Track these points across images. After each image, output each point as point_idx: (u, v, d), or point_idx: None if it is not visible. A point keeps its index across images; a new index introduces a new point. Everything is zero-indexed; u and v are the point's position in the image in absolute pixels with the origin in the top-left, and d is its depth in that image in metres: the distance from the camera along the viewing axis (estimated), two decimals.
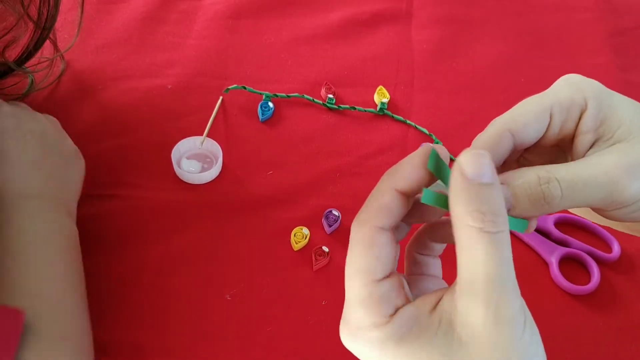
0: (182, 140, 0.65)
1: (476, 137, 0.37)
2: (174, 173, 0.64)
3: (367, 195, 0.64)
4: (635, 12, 0.81)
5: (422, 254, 0.37)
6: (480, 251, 0.28)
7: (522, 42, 0.79)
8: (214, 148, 0.65)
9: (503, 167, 0.36)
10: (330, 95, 0.70)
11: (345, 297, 0.33)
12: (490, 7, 0.81)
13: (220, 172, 0.64)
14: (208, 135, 0.66)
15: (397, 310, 0.31)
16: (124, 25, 0.77)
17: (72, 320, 0.49)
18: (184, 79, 0.72)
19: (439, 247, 0.37)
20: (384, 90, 0.71)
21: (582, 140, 0.35)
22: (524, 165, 0.36)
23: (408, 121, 0.70)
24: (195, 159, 0.65)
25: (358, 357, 0.34)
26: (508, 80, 0.75)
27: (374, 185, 0.66)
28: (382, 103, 0.70)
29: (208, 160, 0.65)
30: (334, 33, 0.78)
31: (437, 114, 0.71)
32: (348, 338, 0.34)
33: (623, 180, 0.32)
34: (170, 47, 0.76)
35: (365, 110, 0.70)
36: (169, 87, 0.71)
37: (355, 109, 0.70)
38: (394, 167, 0.33)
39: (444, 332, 0.30)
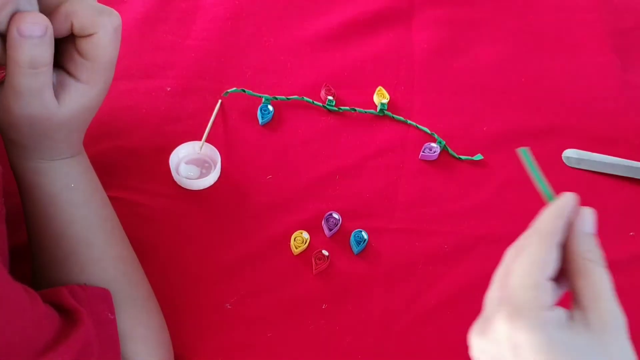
0: (181, 145, 0.65)
1: None
2: (172, 177, 0.63)
3: (368, 197, 0.65)
4: (635, 12, 0.81)
5: None
6: (597, 277, 0.40)
7: (523, 42, 0.78)
8: (213, 153, 0.65)
9: None
10: (330, 97, 0.70)
11: (513, 282, 0.40)
12: (490, 7, 0.81)
13: (219, 177, 0.64)
14: (207, 139, 0.66)
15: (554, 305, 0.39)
16: (123, 25, 0.76)
17: (143, 279, 0.53)
18: (183, 82, 0.72)
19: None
20: (384, 91, 0.71)
21: None
22: None
23: (409, 121, 0.69)
24: (194, 164, 0.65)
25: (505, 340, 0.39)
26: (508, 80, 0.75)
27: (375, 187, 0.67)
28: (382, 104, 0.70)
29: (207, 165, 0.65)
30: (333, 34, 0.77)
31: (438, 114, 0.71)
32: (506, 319, 0.39)
33: None
34: (170, 47, 0.75)
35: (366, 112, 0.70)
36: (168, 89, 0.71)
37: (355, 110, 0.70)
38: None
39: (585, 334, 0.38)
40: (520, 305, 0.39)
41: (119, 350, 0.46)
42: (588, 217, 0.43)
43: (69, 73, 0.42)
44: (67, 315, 0.44)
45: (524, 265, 0.41)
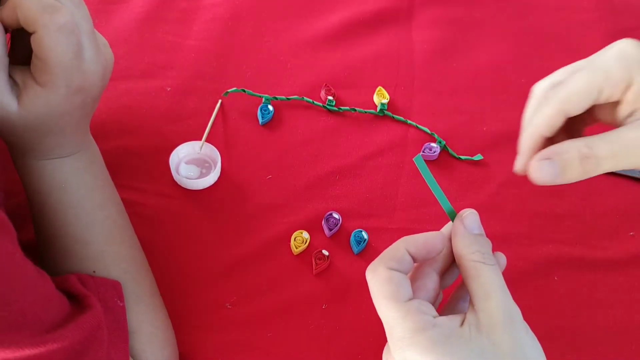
0: (181, 145, 0.65)
1: (530, 115, 0.44)
2: (172, 177, 0.63)
3: (368, 197, 0.65)
4: (635, 12, 0.81)
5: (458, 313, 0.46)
6: (486, 277, 0.41)
7: (523, 42, 0.78)
8: (213, 153, 0.65)
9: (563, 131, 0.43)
10: (330, 97, 0.70)
11: (386, 324, 0.41)
12: (490, 7, 0.81)
13: (219, 177, 0.64)
14: (207, 139, 0.66)
15: (434, 318, 0.40)
16: (123, 25, 0.77)
17: (148, 277, 0.53)
18: (183, 82, 0.72)
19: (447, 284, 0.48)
20: (383, 91, 0.71)
21: (623, 109, 0.40)
22: (578, 127, 0.44)
23: (409, 121, 0.69)
24: (194, 164, 0.65)
25: None
26: (508, 81, 0.75)
27: (375, 187, 0.67)
28: (382, 104, 0.70)
29: (207, 165, 0.65)
30: (334, 34, 0.77)
31: (438, 115, 0.71)
32: (399, 352, 0.40)
33: None
34: (170, 47, 0.75)
35: (366, 112, 0.70)
36: (168, 89, 0.71)
37: (355, 110, 0.70)
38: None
39: (476, 336, 0.39)
40: (403, 336, 0.40)
41: (127, 337, 0.46)
42: (469, 219, 0.43)
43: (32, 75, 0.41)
44: (77, 302, 0.44)
45: (380, 304, 0.41)
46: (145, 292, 0.52)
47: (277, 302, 0.57)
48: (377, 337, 0.55)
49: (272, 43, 0.77)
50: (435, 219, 0.62)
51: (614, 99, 0.41)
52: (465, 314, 0.41)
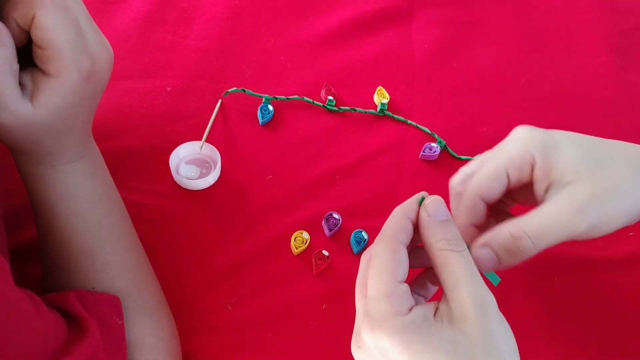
0: (181, 145, 0.65)
1: (455, 209, 0.47)
2: (172, 177, 0.63)
3: (368, 196, 0.65)
4: (635, 12, 0.81)
5: (418, 295, 0.46)
6: (454, 265, 0.40)
7: (523, 42, 0.78)
8: (213, 153, 0.65)
9: (491, 216, 0.47)
10: (330, 97, 0.70)
11: (369, 295, 0.41)
12: (490, 7, 0.81)
13: (219, 177, 0.64)
14: (207, 139, 0.66)
15: (411, 307, 0.40)
16: (123, 25, 0.77)
17: (153, 285, 0.53)
18: (183, 81, 0.72)
19: (431, 291, 0.47)
20: (384, 91, 0.71)
21: (539, 188, 0.44)
22: (504, 209, 0.49)
23: (409, 121, 0.69)
24: (194, 164, 0.65)
25: (374, 350, 0.40)
26: (508, 81, 0.75)
27: (375, 187, 0.67)
28: (382, 104, 0.70)
29: (207, 165, 0.65)
30: (334, 34, 0.77)
31: (438, 115, 0.71)
32: (369, 331, 0.40)
33: (576, 220, 0.41)
34: (170, 46, 0.75)
35: (366, 112, 0.70)
36: (168, 89, 0.71)
37: (355, 110, 0.70)
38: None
39: (447, 327, 0.39)
40: (377, 316, 0.39)
41: (125, 356, 0.45)
42: (433, 205, 0.42)
43: (42, 71, 0.41)
44: (73, 322, 0.43)
45: (374, 274, 0.41)
46: (149, 302, 0.51)
47: (277, 302, 0.57)
48: None
49: (272, 43, 0.77)
50: None
51: (524, 180, 0.45)
52: (437, 303, 0.41)
